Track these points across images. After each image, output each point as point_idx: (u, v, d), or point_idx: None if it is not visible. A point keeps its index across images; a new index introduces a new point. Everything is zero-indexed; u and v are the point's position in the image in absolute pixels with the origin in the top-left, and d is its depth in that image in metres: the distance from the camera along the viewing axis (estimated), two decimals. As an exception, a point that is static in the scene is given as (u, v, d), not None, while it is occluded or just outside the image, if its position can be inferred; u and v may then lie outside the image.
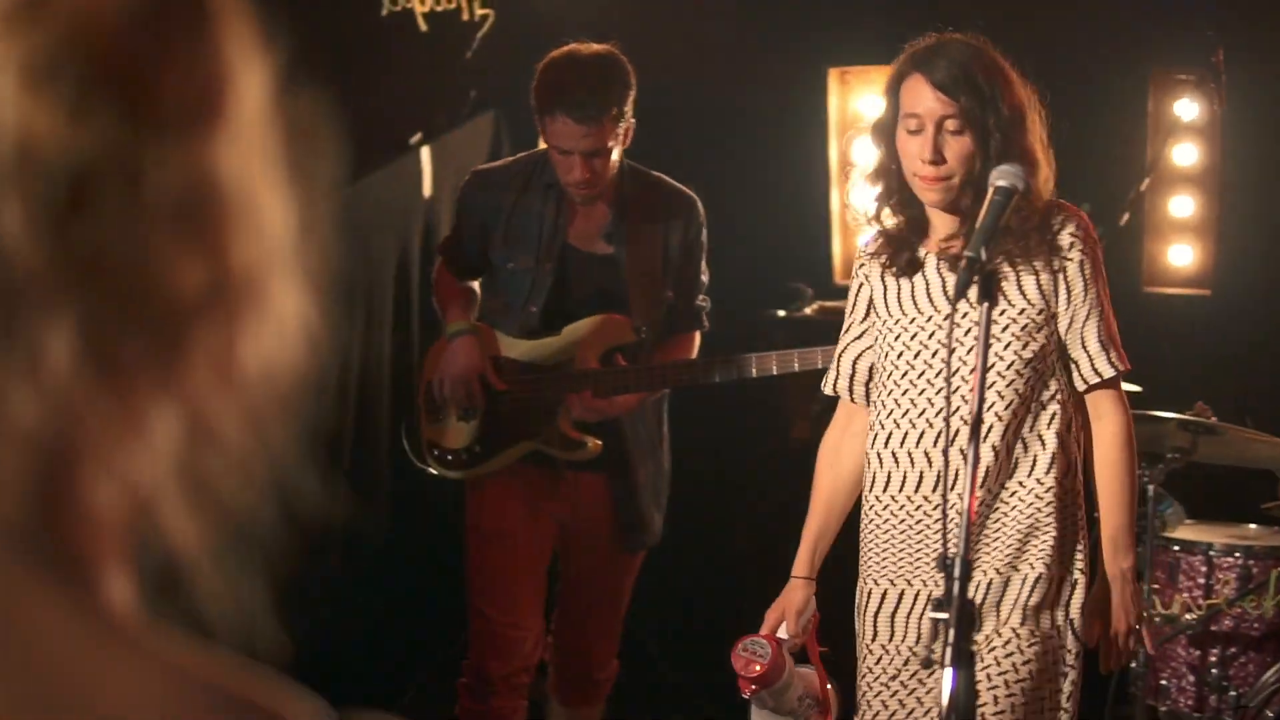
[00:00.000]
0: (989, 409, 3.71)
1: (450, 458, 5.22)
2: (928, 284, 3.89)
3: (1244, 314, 7.07)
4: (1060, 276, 3.80)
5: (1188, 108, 7.06)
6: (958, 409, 3.74)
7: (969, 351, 3.71)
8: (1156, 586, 5.63)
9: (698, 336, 5.31)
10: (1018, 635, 3.75)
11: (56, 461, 0.83)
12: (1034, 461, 3.78)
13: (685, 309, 5.25)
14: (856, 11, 7.06)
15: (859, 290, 4.05)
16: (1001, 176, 3.25)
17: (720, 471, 6.92)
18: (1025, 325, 3.76)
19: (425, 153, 6.48)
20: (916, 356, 3.86)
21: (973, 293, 3.17)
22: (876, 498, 3.93)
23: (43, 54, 0.82)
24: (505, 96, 6.90)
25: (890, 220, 3.92)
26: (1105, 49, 7.03)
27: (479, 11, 6.52)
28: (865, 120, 7.21)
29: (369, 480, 6.12)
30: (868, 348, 4.04)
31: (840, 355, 4.11)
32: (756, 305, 6.82)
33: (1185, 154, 7.16)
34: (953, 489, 3.47)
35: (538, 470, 5.20)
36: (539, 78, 4.96)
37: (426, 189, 6.47)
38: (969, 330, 3.69)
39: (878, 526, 3.94)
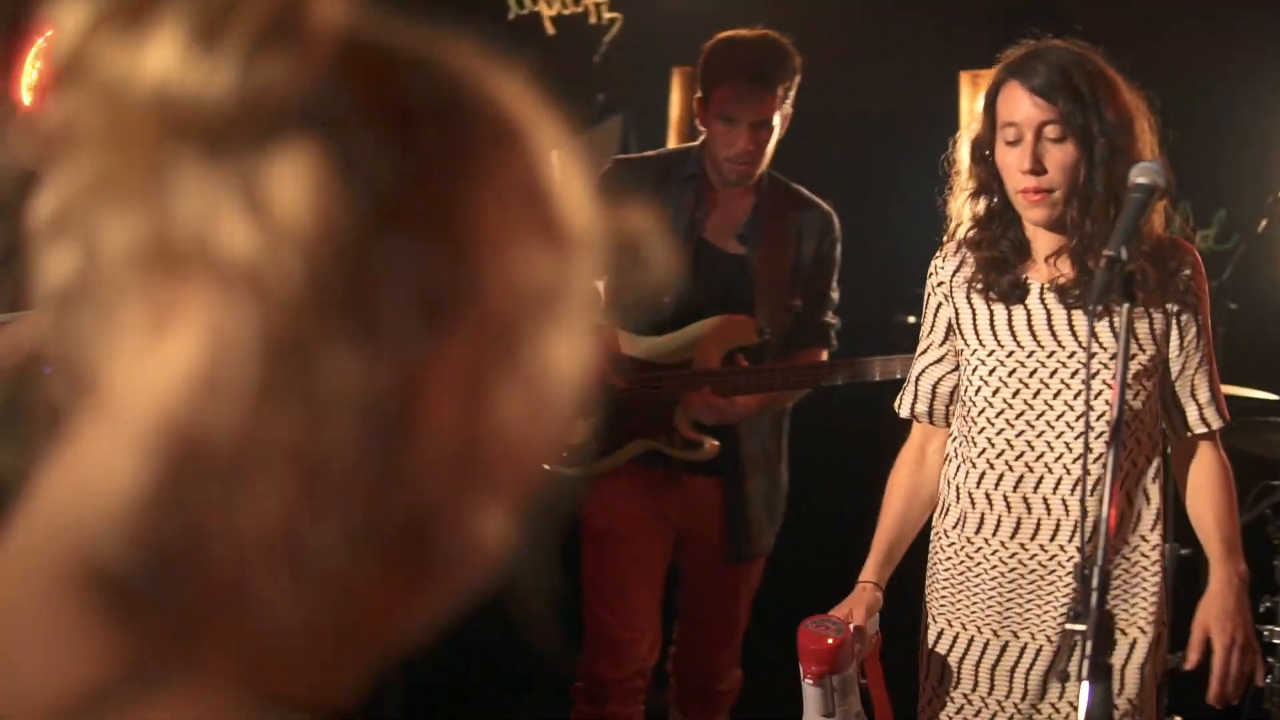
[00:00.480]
0: (1096, 461, 3.40)
1: (565, 454, 5.16)
2: (1029, 314, 3.63)
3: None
4: (1175, 320, 3.59)
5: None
6: (1079, 456, 3.54)
7: (1076, 396, 3.55)
8: (1295, 600, 5.51)
9: (825, 355, 5.21)
10: (1132, 705, 3.65)
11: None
12: (1139, 518, 3.65)
13: (813, 323, 5.18)
14: (988, 14, 6.96)
15: (938, 310, 3.81)
16: (1142, 173, 3.10)
17: (844, 477, 6.83)
18: (1137, 372, 3.55)
19: (553, 158, 6.43)
20: (1016, 395, 3.63)
21: (1105, 333, 3.40)
22: (969, 539, 3.73)
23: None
24: (633, 100, 6.86)
25: (988, 243, 3.71)
26: (1243, 51, 6.89)
27: (607, 15, 6.49)
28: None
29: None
30: (950, 371, 3.82)
31: (919, 378, 3.87)
32: (886, 310, 6.74)
33: (1326, 157, 6.99)
34: (1083, 540, 3.34)
35: (654, 471, 5.12)
36: (708, 53, 4.99)
37: (554, 193, 6.42)
38: (1077, 372, 3.55)
39: (972, 570, 3.74)
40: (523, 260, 0.85)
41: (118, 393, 0.78)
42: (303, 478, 0.78)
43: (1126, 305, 2.89)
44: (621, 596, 5.13)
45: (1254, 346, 6.73)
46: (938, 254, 3.83)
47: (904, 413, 3.91)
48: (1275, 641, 5.49)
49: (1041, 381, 3.58)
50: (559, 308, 0.87)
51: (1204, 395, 3.66)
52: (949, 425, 3.85)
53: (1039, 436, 3.60)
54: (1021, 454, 3.62)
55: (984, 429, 3.66)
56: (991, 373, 3.64)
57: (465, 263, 0.82)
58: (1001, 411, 3.63)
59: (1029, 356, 3.60)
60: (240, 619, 0.78)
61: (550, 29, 6.17)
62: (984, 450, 3.67)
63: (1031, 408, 3.60)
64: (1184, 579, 6.29)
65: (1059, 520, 3.61)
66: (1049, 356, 3.57)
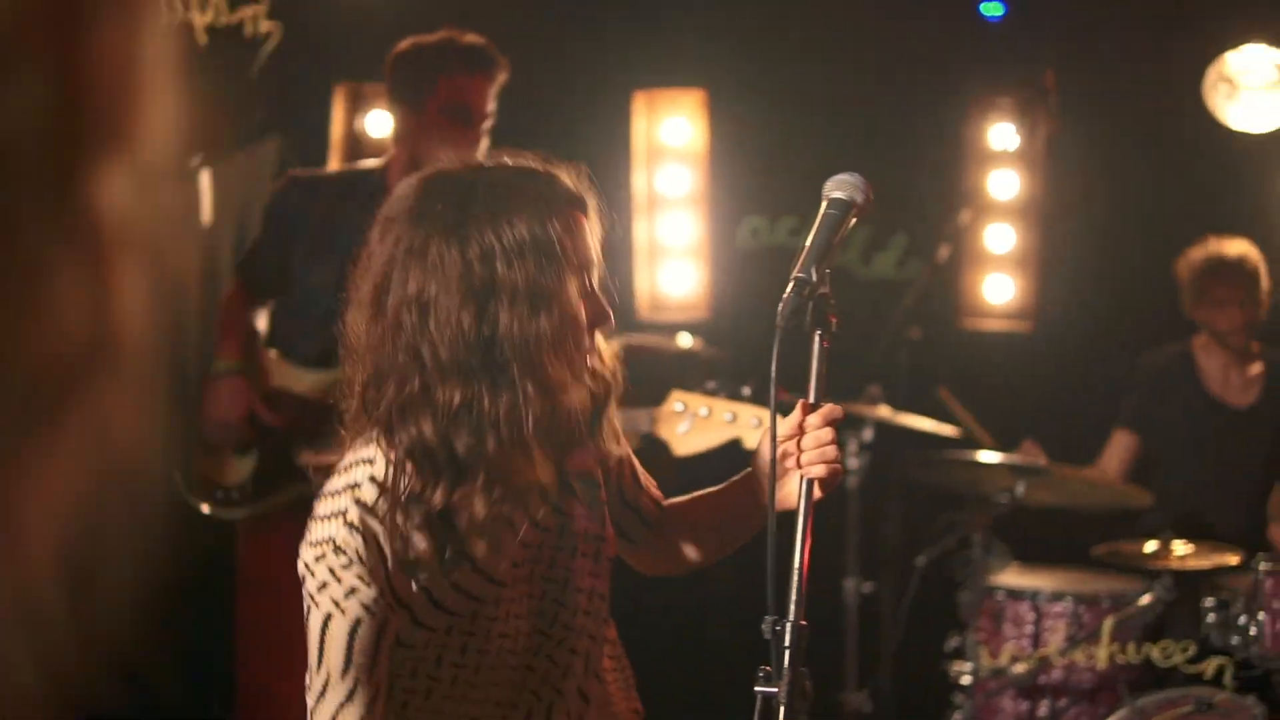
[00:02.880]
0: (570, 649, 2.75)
1: (221, 495, 4.86)
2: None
3: (1066, 349, 6.92)
4: None
5: (1006, 134, 6.87)
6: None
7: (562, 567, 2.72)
8: (983, 636, 5.40)
9: None
10: None
11: None
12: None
13: None
14: (662, 33, 6.80)
15: (356, 626, 2.50)
16: (838, 187, 2.81)
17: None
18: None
19: (204, 177, 6.06)
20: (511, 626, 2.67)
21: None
22: None
23: None
24: (292, 119, 6.54)
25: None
26: (924, 75, 6.83)
27: (263, 27, 6.11)
28: (670, 145, 6.97)
29: (138, 530, 5.65)
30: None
31: None
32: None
33: (1003, 182, 6.95)
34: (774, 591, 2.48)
35: None
36: (417, 49, 4.77)
37: (205, 216, 6.05)
38: (564, 540, 2.71)
39: None
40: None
41: None
42: None
43: (818, 333, 2.63)
44: (280, 646, 4.78)
45: (937, 377, 6.66)
46: (332, 533, 2.51)
47: None
48: (963, 681, 5.38)
49: (555, 552, 2.73)
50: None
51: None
52: None
53: (553, 632, 2.73)
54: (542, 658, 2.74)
55: (473, 696, 2.68)
56: (478, 631, 2.65)
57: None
58: (502, 656, 2.68)
59: (522, 583, 2.68)
60: None
61: (203, 39, 5.76)
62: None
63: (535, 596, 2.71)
64: (866, 615, 6.17)
65: None
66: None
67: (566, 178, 2.62)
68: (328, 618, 2.49)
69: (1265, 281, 6.04)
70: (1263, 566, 4.68)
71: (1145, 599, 5.27)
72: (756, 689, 2.51)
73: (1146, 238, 6.84)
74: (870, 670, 6.17)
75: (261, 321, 5.00)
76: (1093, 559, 5.36)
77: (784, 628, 2.50)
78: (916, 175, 6.78)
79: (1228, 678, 4.87)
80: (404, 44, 4.82)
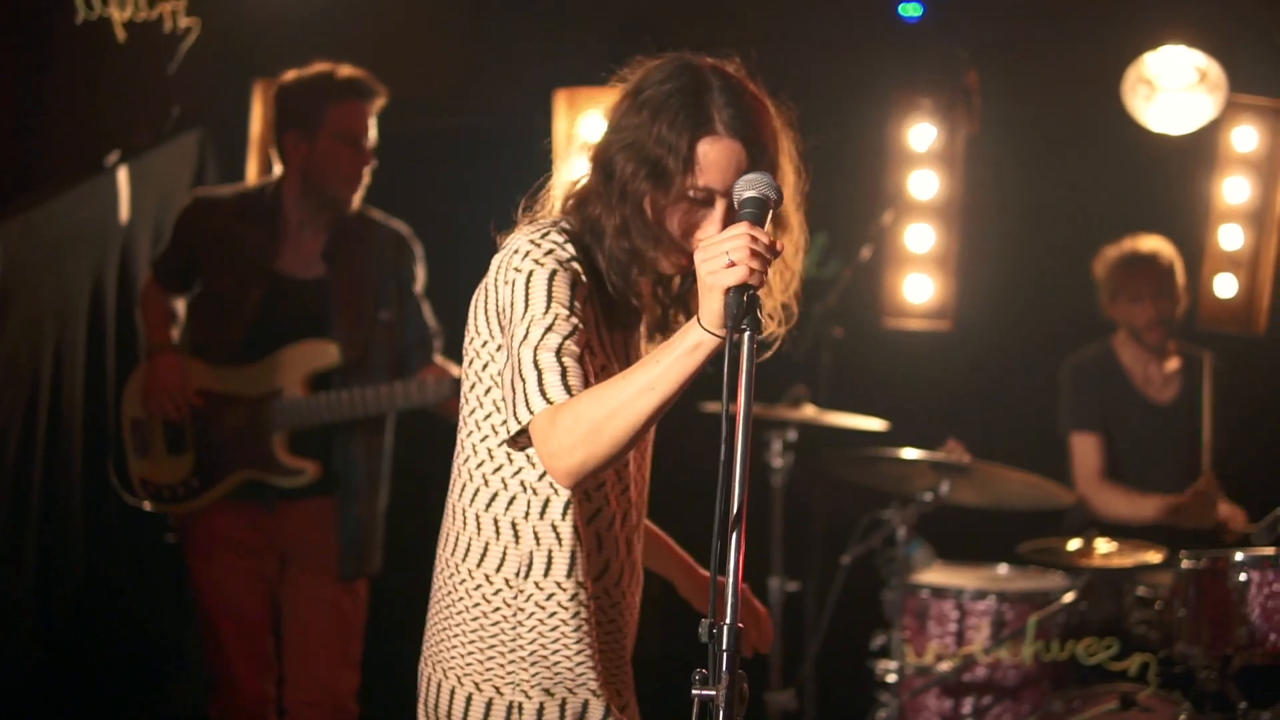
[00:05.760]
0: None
1: (166, 493, 5.12)
2: (623, 334, 3.17)
3: (985, 348, 6.94)
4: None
5: (926, 134, 6.89)
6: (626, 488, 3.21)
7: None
8: (908, 634, 5.42)
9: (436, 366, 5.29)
10: None
11: None
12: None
13: (419, 340, 5.30)
14: (579, 32, 6.80)
15: (573, 283, 2.97)
16: (750, 186, 2.81)
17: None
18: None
19: (122, 174, 6.00)
20: None
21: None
22: (578, 584, 3.09)
23: None
24: (212, 114, 6.50)
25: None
26: (844, 76, 6.83)
27: (183, 22, 6.04)
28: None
29: (61, 522, 5.58)
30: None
31: (560, 353, 2.88)
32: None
33: (924, 182, 6.97)
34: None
35: (250, 504, 5.12)
36: (306, 82, 5.18)
37: (124, 213, 5.98)
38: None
39: (572, 621, 3.09)
40: None
41: None
42: None
43: (748, 332, 2.63)
44: (236, 640, 5.14)
45: (860, 375, 6.67)
46: (539, 233, 3.00)
47: (557, 395, 2.86)
48: (889, 679, 5.39)
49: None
50: None
51: None
52: None
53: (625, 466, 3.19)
54: (625, 486, 3.18)
55: None
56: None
57: None
58: None
59: (601, 370, 3.04)
60: None
61: (121, 35, 5.69)
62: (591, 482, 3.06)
63: None
64: (791, 614, 6.17)
65: (622, 562, 3.18)
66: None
67: (749, 109, 3.11)
68: (553, 272, 2.97)
69: (1180, 278, 6.10)
70: (1185, 563, 4.70)
71: (1069, 596, 5.30)
72: (694, 692, 2.50)
73: (1065, 238, 6.89)
74: (795, 669, 6.17)
75: (179, 313, 5.30)
76: (1016, 557, 5.38)
77: (721, 630, 2.50)
78: (837, 175, 6.74)
79: (1152, 674, 4.90)
80: (289, 76, 5.24)
